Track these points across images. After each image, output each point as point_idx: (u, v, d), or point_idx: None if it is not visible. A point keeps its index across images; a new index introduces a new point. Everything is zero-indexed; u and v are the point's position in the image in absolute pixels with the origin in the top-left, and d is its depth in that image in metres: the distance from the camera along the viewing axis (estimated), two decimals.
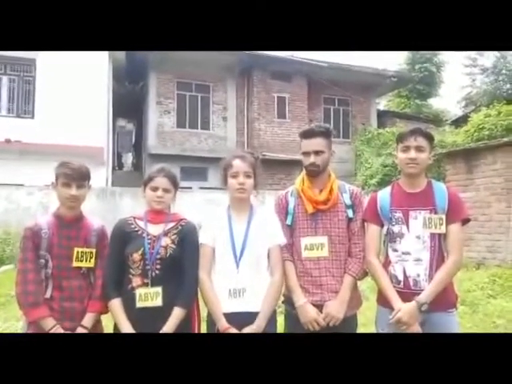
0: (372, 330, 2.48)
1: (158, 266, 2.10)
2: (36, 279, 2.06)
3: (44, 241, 2.10)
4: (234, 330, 2.05)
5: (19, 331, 2.17)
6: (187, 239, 2.18)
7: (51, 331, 2.02)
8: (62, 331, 2.03)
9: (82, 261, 2.14)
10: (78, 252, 2.13)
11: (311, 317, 2.14)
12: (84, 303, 2.14)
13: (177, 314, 2.06)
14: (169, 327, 2.04)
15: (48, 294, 2.08)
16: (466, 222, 2.21)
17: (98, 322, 2.21)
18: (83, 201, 2.21)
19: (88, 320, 2.12)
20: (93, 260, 2.18)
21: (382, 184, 11.24)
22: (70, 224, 2.17)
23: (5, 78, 11.62)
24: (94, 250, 2.19)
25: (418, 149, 2.17)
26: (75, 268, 2.14)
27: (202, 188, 12.20)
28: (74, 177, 2.13)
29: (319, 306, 2.18)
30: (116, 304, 2.10)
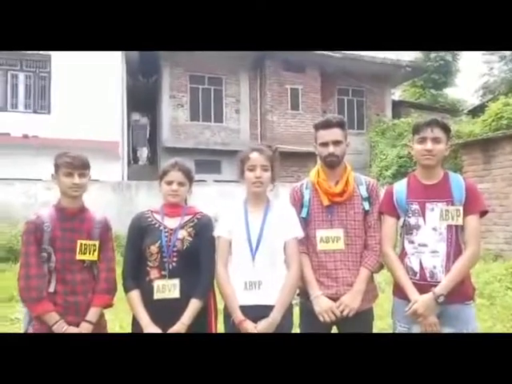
0: (388, 322, 2.48)
1: (175, 259, 2.13)
2: (39, 274, 2.05)
3: (46, 234, 2.08)
4: (249, 323, 2.05)
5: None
6: (203, 232, 2.21)
7: (55, 326, 2.02)
8: (65, 326, 2.04)
9: (85, 253, 2.13)
10: (81, 244, 2.12)
11: (326, 306, 2.14)
12: (88, 297, 2.13)
13: (194, 305, 2.10)
14: (186, 318, 2.07)
15: (52, 288, 2.07)
16: (483, 213, 2.18)
17: (101, 316, 2.20)
18: (85, 191, 2.20)
19: (92, 314, 2.12)
20: (96, 253, 2.16)
21: (397, 175, 11.10)
22: (72, 216, 2.16)
23: (21, 75, 11.80)
24: (97, 243, 2.17)
25: (435, 140, 2.14)
26: (78, 261, 2.12)
27: (216, 181, 12.25)
28: (76, 165, 2.12)
29: (334, 299, 2.17)
30: (134, 296, 2.14)
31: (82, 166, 2.15)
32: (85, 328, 2.08)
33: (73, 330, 2.05)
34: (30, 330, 2.10)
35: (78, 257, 2.11)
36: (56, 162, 2.15)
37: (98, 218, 2.23)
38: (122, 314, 2.31)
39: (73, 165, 2.12)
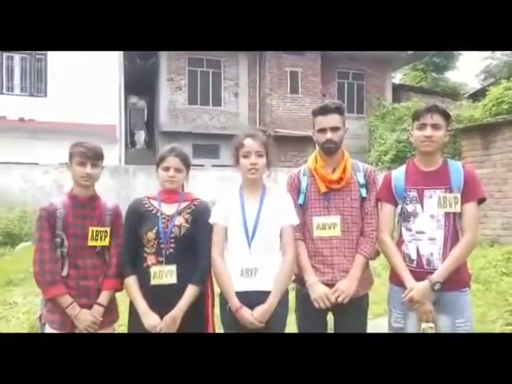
0: (384, 307, 2.50)
1: (172, 245, 2.14)
2: (52, 258, 2.13)
3: (59, 221, 2.15)
4: (245, 309, 2.06)
5: (38, 306, 2.23)
6: (200, 218, 2.20)
7: (68, 308, 2.10)
8: (78, 308, 2.12)
9: (96, 240, 2.20)
10: (92, 231, 2.19)
11: (321, 292, 2.15)
12: (99, 281, 2.20)
13: (191, 291, 2.10)
14: (183, 304, 2.08)
15: (65, 273, 2.15)
16: (481, 201, 2.17)
17: (112, 300, 2.27)
18: (97, 180, 2.26)
19: (103, 298, 2.19)
20: (107, 239, 2.23)
21: (396, 160, 11.08)
22: (84, 204, 2.22)
23: (17, 57, 11.65)
24: (108, 229, 2.23)
25: (434, 126, 2.12)
26: (90, 247, 2.19)
27: (214, 165, 12.22)
28: (89, 155, 2.18)
29: (330, 286, 2.17)
30: (131, 281, 2.15)
31: (95, 157, 2.20)
32: (96, 310, 2.16)
33: (85, 312, 2.13)
34: (44, 313, 2.19)
35: (90, 243, 2.18)
36: (70, 151, 2.22)
37: (108, 205, 2.29)
38: (122, 298, 2.33)
39: (86, 155, 2.17)
